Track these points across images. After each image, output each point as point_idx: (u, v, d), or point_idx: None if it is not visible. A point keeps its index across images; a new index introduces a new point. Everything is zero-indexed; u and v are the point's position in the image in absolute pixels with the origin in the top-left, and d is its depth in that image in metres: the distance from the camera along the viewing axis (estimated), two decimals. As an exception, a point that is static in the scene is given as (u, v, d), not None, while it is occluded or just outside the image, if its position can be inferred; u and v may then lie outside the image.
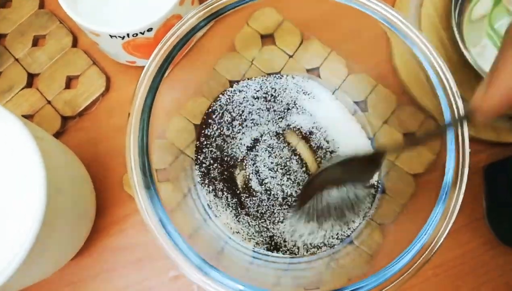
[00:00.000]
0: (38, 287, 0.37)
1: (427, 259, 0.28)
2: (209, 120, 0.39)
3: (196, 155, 0.38)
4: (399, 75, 0.39)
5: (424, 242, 0.28)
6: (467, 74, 0.37)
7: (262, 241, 0.36)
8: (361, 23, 0.35)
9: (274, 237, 0.37)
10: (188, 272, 0.27)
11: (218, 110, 0.39)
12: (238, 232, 0.37)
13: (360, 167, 0.33)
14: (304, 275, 0.36)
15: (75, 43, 0.43)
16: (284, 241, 0.36)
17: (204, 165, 0.38)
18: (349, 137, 0.39)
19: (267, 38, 0.42)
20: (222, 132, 0.38)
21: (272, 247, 0.36)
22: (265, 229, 0.37)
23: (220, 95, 0.40)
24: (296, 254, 0.36)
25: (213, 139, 0.38)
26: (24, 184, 0.28)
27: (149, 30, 0.34)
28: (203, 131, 0.39)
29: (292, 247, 0.36)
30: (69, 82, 0.42)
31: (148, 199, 0.28)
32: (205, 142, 0.38)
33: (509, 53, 0.20)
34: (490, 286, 0.38)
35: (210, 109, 0.39)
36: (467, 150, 0.29)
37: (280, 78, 0.40)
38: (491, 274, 0.39)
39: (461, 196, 0.29)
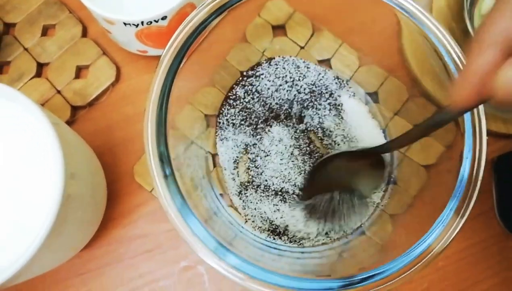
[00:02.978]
0: (49, 278, 0.37)
1: (439, 252, 0.28)
2: (226, 109, 0.39)
3: (216, 142, 0.39)
4: (410, 66, 0.39)
5: (437, 234, 0.28)
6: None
7: (274, 230, 0.36)
8: (372, 15, 0.35)
9: (284, 225, 0.37)
10: (204, 255, 0.27)
11: (237, 96, 0.39)
12: (249, 219, 0.37)
13: (366, 166, 0.33)
14: (316, 263, 0.36)
15: (84, 33, 0.43)
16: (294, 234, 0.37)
17: (221, 152, 0.38)
18: (364, 129, 0.39)
19: (279, 29, 0.42)
20: (240, 119, 0.39)
21: (285, 237, 0.36)
22: (276, 217, 0.37)
23: (239, 81, 0.40)
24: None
25: (231, 126, 0.39)
26: (40, 169, 0.28)
27: (163, 18, 0.34)
28: (220, 118, 0.39)
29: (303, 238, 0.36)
30: (79, 72, 0.42)
31: (166, 186, 0.28)
32: (223, 128, 0.39)
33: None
34: (500, 277, 0.39)
35: (228, 97, 0.39)
36: (484, 144, 0.29)
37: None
38: (501, 266, 0.39)
39: (477, 190, 0.29)
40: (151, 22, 0.34)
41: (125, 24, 0.34)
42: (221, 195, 0.38)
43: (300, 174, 0.37)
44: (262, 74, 0.39)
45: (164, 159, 0.29)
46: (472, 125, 0.29)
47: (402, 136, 0.29)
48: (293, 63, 0.40)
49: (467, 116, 0.29)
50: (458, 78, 0.21)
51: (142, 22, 0.33)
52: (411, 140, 0.30)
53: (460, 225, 0.29)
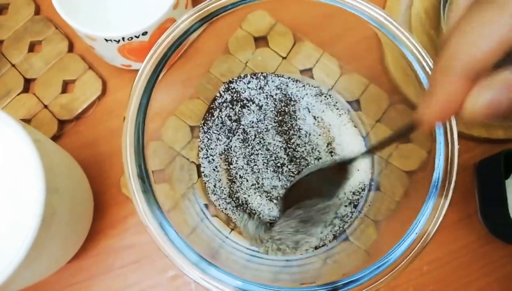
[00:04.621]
0: (37, 289, 0.38)
1: (418, 253, 0.29)
2: (210, 119, 0.40)
3: (199, 152, 0.39)
4: (391, 74, 0.40)
5: (415, 236, 0.29)
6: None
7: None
8: (352, 25, 0.35)
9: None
10: (186, 270, 0.28)
11: (220, 107, 0.40)
12: (233, 229, 0.37)
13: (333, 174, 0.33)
14: (300, 271, 0.36)
15: (71, 48, 0.44)
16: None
17: (206, 162, 0.39)
18: (345, 137, 0.39)
19: (261, 40, 0.42)
20: (223, 129, 0.39)
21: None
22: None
23: (221, 93, 0.40)
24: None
25: (215, 136, 0.39)
26: (23, 185, 0.29)
27: (144, 34, 0.34)
28: (203, 128, 0.40)
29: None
30: (66, 86, 0.43)
31: (146, 201, 0.28)
32: (207, 140, 0.39)
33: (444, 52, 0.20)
34: (484, 280, 0.39)
35: (211, 107, 0.40)
36: (456, 146, 0.30)
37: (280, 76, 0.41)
38: (485, 269, 0.39)
39: (451, 191, 0.29)
40: (132, 38, 0.34)
41: (106, 40, 0.34)
42: (205, 205, 0.38)
43: (281, 180, 0.38)
44: (245, 85, 0.40)
45: (143, 173, 0.29)
46: (443, 128, 0.30)
47: (374, 145, 0.30)
48: (276, 76, 0.41)
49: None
50: (425, 102, 0.21)
51: (123, 38, 0.34)
52: (381, 147, 0.31)
53: (437, 225, 0.29)
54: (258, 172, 0.38)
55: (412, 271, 0.39)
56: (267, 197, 0.38)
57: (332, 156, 0.39)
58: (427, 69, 0.31)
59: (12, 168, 0.29)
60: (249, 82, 0.40)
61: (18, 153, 0.29)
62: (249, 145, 0.39)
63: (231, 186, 0.38)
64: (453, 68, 0.19)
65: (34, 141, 0.28)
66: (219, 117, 0.39)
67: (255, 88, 0.40)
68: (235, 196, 0.38)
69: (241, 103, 0.40)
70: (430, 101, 0.20)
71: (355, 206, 0.38)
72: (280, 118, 0.39)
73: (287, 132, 0.39)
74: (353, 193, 0.38)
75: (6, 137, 0.30)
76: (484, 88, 0.19)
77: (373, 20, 0.32)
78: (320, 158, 0.38)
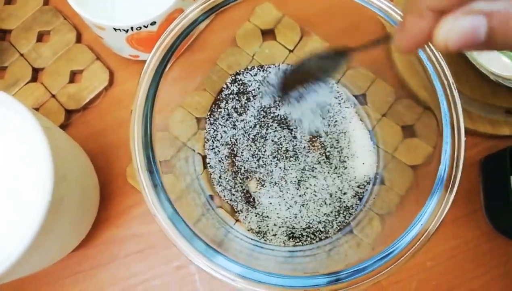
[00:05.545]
0: (43, 277, 0.38)
1: (422, 246, 0.29)
2: (216, 111, 0.40)
3: (205, 143, 0.39)
4: (397, 69, 0.40)
5: (419, 228, 0.29)
6: (463, 66, 0.38)
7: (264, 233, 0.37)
8: (359, 18, 0.36)
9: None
10: (193, 257, 0.28)
11: (226, 99, 0.40)
12: (238, 220, 0.38)
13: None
14: (305, 262, 0.36)
15: (79, 39, 0.44)
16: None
17: (212, 153, 0.39)
18: (351, 130, 0.40)
19: (268, 33, 0.42)
20: (230, 121, 0.39)
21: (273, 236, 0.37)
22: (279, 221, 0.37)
23: (227, 84, 0.40)
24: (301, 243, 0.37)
25: (221, 127, 0.39)
26: (31, 171, 0.29)
27: (153, 23, 0.34)
28: (209, 120, 0.40)
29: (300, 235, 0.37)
30: (73, 76, 0.43)
31: (154, 190, 0.28)
32: (213, 131, 0.39)
33: None
34: (488, 276, 0.39)
35: (217, 99, 0.40)
36: (463, 142, 0.30)
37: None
38: (489, 265, 0.39)
39: (456, 186, 0.29)
40: (140, 28, 0.35)
41: (115, 29, 0.34)
42: (211, 196, 0.38)
43: (288, 169, 0.38)
44: (252, 77, 0.40)
45: (151, 162, 0.29)
46: (451, 123, 0.30)
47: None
48: (283, 69, 0.41)
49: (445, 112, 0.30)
50: (399, 32, 0.22)
51: (132, 28, 0.34)
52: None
53: (441, 219, 0.29)
54: (264, 163, 0.38)
55: (415, 266, 0.39)
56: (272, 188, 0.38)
57: (338, 148, 0.39)
58: (435, 62, 0.31)
59: (22, 154, 0.30)
60: (255, 74, 0.40)
61: (28, 139, 0.30)
62: (255, 137, 0.39)
63: (236, 177, 0.38)
64: (425, 4, 0.20)
65: (44, 129, 0.28)
66: (226, 109, 0.40)
67: (263, 79, 0.40)
68: (240, 187, 0.38)
69: (247, 95, 0.40)
70: (401, 32, 0.22)
71: (360, 199, 0.38)
72: (288, 108, 0.39)
73: (293, 125, 0.39)
74: (358, 186, 0.38)
75: (16, 124, 0.30)
76: (461, 15, 0.19)
77: (381, 11, 0.32)
78: (326, 148, 0.38)
